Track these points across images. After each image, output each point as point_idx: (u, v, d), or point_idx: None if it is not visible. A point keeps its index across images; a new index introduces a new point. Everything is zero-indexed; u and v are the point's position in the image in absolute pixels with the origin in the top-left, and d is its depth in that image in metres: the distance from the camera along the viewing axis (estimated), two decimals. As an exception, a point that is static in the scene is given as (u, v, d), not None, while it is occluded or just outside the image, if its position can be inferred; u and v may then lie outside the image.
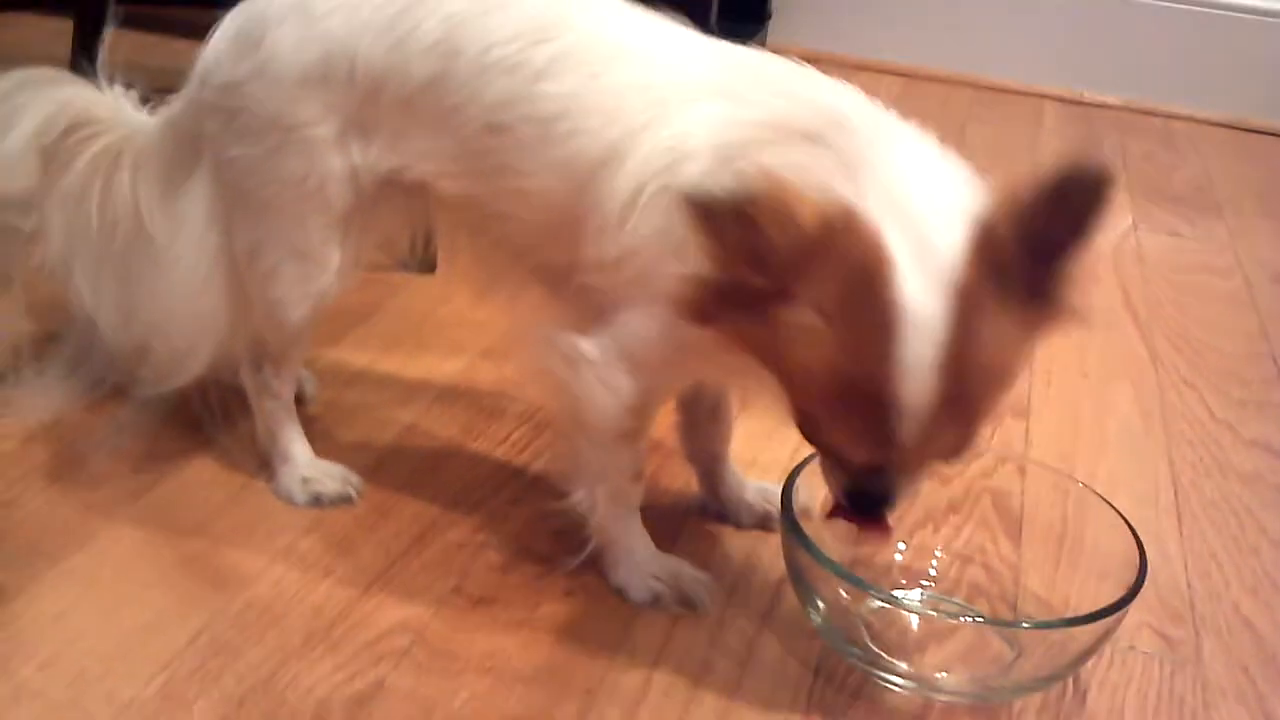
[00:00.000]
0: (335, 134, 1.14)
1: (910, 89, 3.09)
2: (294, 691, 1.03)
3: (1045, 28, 3.15)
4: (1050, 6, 3.13)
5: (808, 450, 1.05)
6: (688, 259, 0.92)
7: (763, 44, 3.06)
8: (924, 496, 1.23)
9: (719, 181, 0.88)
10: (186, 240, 1.22)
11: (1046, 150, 2.74)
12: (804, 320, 0.89)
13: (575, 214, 1.07)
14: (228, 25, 1.17)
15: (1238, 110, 3.10)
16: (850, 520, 1.02)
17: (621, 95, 1.05)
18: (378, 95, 1.12)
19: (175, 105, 1.24)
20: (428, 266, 1.77)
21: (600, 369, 1.10)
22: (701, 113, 1.03)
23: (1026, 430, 1.57)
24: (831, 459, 1.00)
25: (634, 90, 1.05)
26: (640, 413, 1.13)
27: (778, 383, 0.95)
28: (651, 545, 1.21)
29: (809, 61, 1.06)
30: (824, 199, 0.87)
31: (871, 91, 1.04)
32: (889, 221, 0.87)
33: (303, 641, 1.08)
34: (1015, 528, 1.26)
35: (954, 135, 2.81)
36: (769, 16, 3.06)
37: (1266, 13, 3.06)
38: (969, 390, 0.89)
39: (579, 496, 1.18)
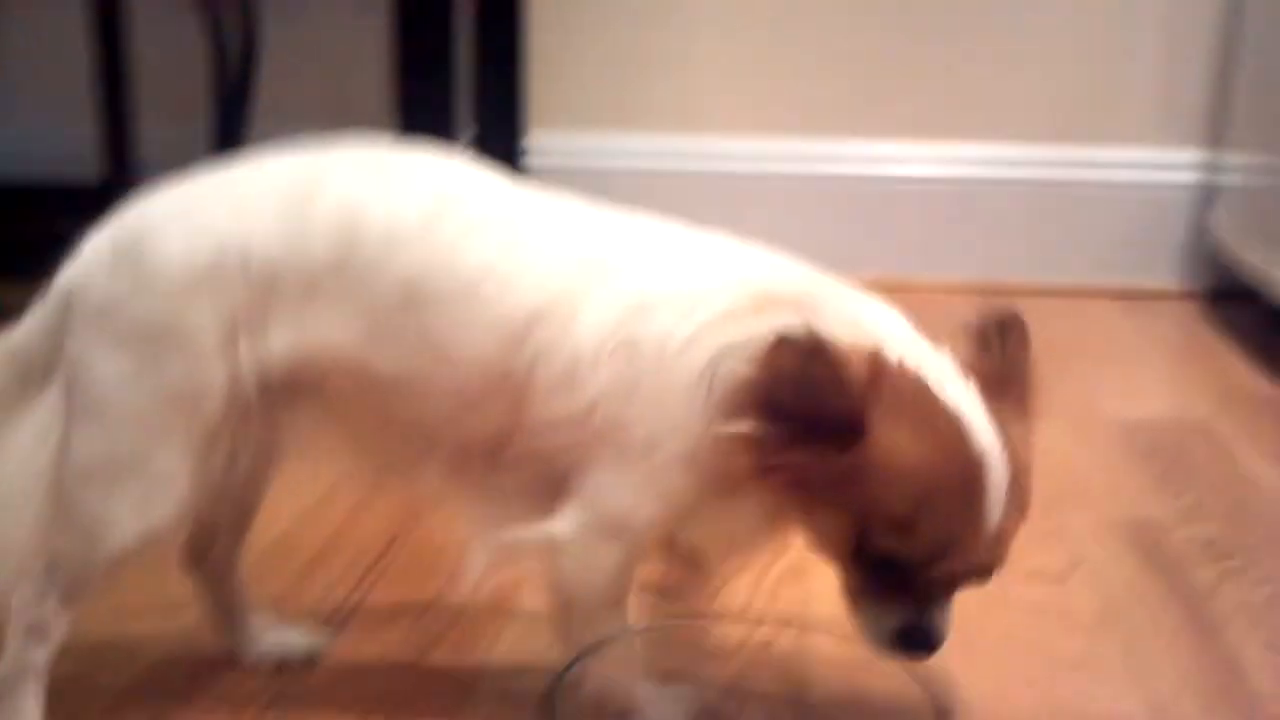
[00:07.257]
0: (222, 340, 1.07)
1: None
2: None
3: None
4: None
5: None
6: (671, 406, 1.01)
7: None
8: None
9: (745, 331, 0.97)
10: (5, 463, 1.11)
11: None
12: (891, 442, 0.95)
13: (513, 376, 1.05)
14: (97, 243, 1.11)
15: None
16: None
17: (548, 258, 1.08)
18: (275, 284, 1.07)
19: (15, 334, 1.14)
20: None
21: (581, 547, 1.05)
22: (653, 270, 1.07)
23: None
24: (882, 599, 1.02)
25: (560, 250, 1.09)
26: (630, 575, 1.09)
27: (836, 518, 0.99)
28: None
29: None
30: (852, 341, 0.96)
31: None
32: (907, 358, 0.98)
33: None
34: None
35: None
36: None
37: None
38: (1019, 480, 0.99)
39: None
